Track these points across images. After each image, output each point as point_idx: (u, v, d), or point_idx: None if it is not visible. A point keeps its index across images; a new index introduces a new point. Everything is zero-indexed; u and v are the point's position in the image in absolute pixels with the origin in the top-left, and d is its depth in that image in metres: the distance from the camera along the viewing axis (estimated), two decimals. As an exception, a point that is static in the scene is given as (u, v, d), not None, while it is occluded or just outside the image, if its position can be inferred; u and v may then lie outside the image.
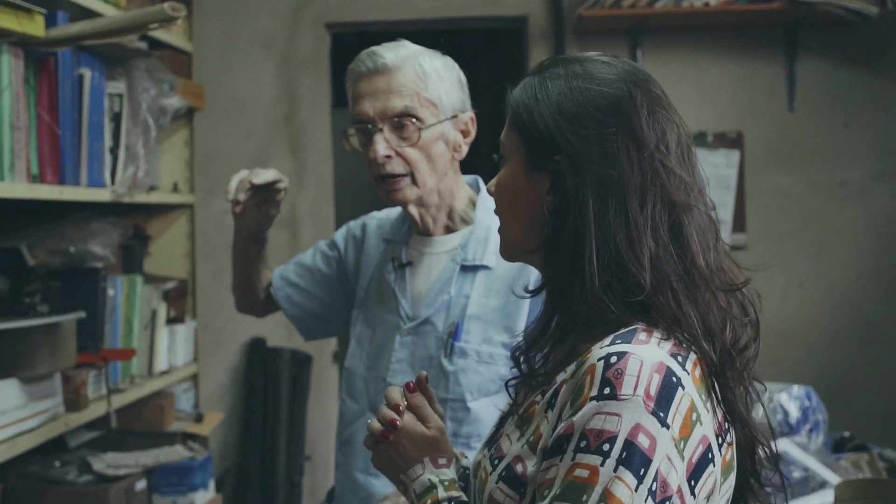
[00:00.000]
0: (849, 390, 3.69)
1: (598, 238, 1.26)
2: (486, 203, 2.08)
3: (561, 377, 1.27)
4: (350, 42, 4.96)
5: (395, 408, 1.45)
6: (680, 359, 1.22)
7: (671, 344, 1.23)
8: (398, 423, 1.44)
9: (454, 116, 2.03)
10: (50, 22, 2.43)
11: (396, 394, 1.47)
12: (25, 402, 2.43)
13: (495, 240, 2.01)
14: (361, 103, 2.01)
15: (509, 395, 1.43)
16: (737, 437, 1.30)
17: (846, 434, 2.89)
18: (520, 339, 1.43)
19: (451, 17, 3.94)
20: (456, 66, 2.08)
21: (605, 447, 1.15)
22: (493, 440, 1.42)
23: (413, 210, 2.08)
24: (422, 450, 1.43)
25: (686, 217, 1.29)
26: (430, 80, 1.99)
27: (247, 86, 3.94)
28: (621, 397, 1.16)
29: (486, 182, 2.10)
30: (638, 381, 1.17)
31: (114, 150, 2.89)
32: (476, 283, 2.03)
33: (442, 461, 1.42)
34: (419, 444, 1.43)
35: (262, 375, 3.90)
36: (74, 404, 2.66)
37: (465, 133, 2.06)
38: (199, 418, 3.49)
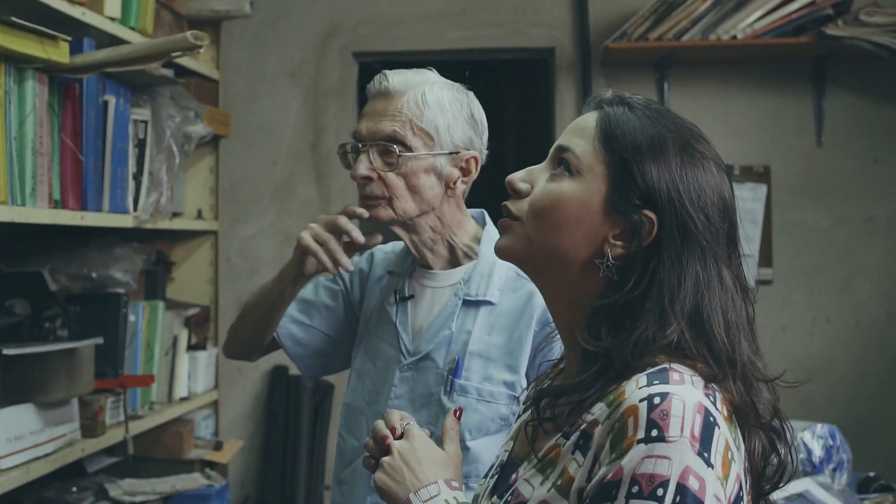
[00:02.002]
0: (875, 429, 3.62)
1: (688, 311, 1.24)
2: (492, 237, 2.03)
3: (588, 418, 1.23)
4: (378, 71, 4.99)
5: (392, 430, 1.45)
6: (711, 398, 1.20)
7: (702, 383, 1.21)
8: (394, 435, 1.44)
9: (454, 153, 1.98)
10: (75, 49, 2.45)
11: (395, 416, 1.48)
12: (42, 428, 2.43)
13: (499, 275, 1.99)
14: (360, 122, 1.99)
15: (527, 438, 1.35)
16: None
17: (871, 474, 2.84)
18: (545, 384, 1.40)
19: (479, 48, 3.94)
20: (471, 103, 2.02)
21: (659, 492, 1.12)
22: (500, 487, 1.37)
23: (403, 235, 2.03)
24: (437, 470, 1.40)
25: (750, 308, 1.30)
26: (428, 110, 1.95)
27: (273, 114, 3.96)
28: (669, 439, 1.13)
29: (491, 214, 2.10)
30: (683, 422, 1.14)
31: (137, 177, 2.90)
32: (478, 318, 1.98)
33: (455, 484, 1.40)
34: (435, 462, 1.41)
35: (283, 404, 3.89)
36: (91, 430, 2.67)
37: (464, 171, 2.00)
38: (218, 446, 3.48)
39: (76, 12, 2.51)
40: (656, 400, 1.15)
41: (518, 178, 1.38)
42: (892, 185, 3.78)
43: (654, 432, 1.14)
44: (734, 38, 3.60)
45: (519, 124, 5.19)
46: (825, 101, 3.78)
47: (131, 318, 3.03)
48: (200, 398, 3.53)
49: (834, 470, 2.71)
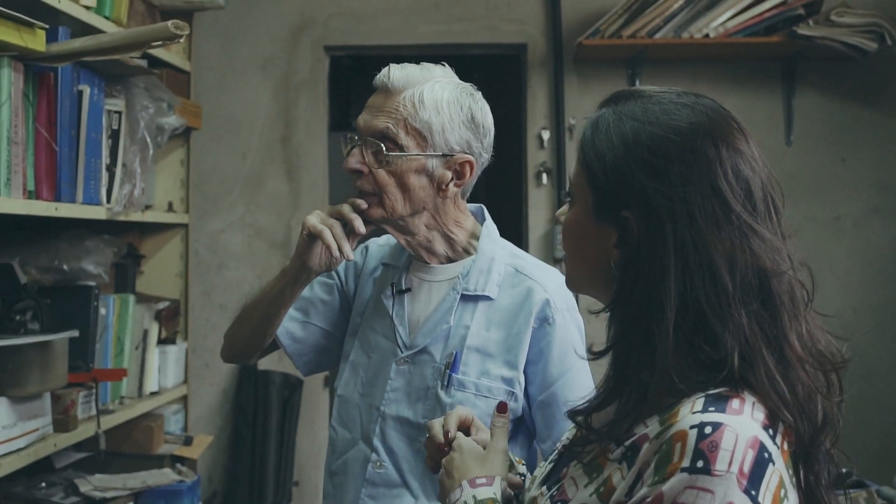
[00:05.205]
0: (845, 426, 3.63)
1: (680, 306, 1.18)
2: (490, 233, 2.04)
3: (640, 430, 1.20)
4: (348, 65, 4.96)
5: (447, 434, 1.46)
6: (771, 431, 1.15)
7: (763, 415, 1.16)
8: (447, 440, 1.47)
9: (448, 155, 1.94)
10: (51, 37, 2.41)
11: (452, 420, 1.50)
12: (14, 422, 2.39)
13: (498, 271, 1.99)
14: (362, 113, 1.97)
15: (575, 456, 1.33)
16: None
17: (843, 470, 2.86)
18: (582, 401, 1.37)
19: (451, 44, 3.93)
20: (474, 105, 1.97)
21: None
22: (551, 478, 1.37)
23: (398, 237, 2.02)
24: (466, 472, 1.40)
25: (776, 284, 1.20)
26: (423, 110, 1.91)
27: (244, 106, 3.92)
28: (715, 473, 1.10)
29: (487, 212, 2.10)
30: (733, 456, 1.10)
31: (110, 168, 2.86)
32: (477, 313, 1.97)
33: (481, 480, 1.39)
34: (468, 466, 1.41)
35: (252, 399, 3.86)
36: (63, 424, 2.63)
37: (458, 174, 1.96)
38: (188, 441, 3.45)
39: (52, 0, 2.47)
40: (707, 430, 1.12)
41: (559, 211, 1.39)
42: (859, 184, 3.84)
43: (700, 463, 1.10)
44: (706, 36, 3.62)
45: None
46: (795, 101, 3.81)
47: (102, 311, 2.99)
48: (170, 393, 3.49)
49: (807, 465, 2.73)
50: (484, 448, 1.47)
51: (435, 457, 1.47)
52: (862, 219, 3.84)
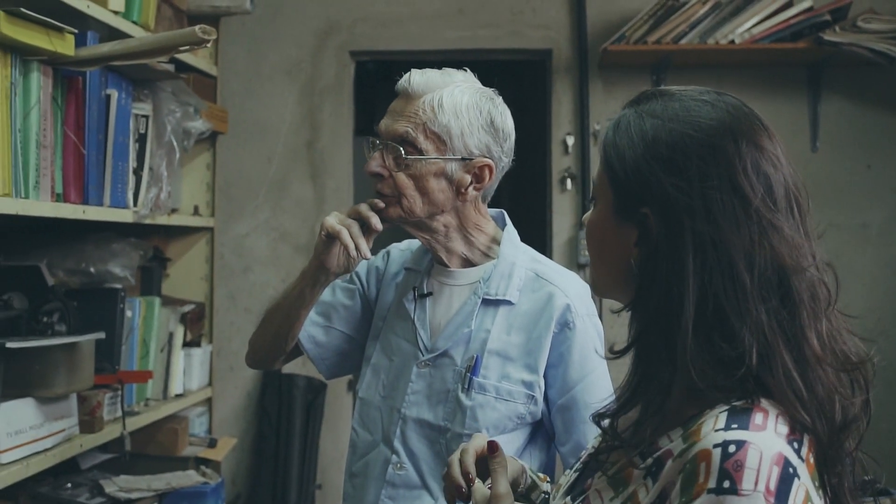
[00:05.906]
0: (870, 433, 3.62)
1: (699, 304, 1.17)
2: (511, 238, 2.06)
3: (665, 444, 1.19)
4: (374, 70, 4.98)
5: (466, 475, 1.43)
6: (796, 445, 1.14)
7: (787, 428, 1.15)
8: (467, 480, 1.43)
9: (467, 159, 1.96)
10: (80, 42, 2.43)
11: (470, 459, 1.46)
12: (41, 422, 2.41)
13: (519, 275, 2.00)
14: (384, 118, 2.00)
15: (601, 464, 1.32)
16: None
17: (867, 478, 2.84)
18: (609, 401, 1.36)
19: (476, 49, 3.94)
20: (493, 110, 1.99)
21: None
22: (575, 489, 1.35)
23: (418, 235, 2.04)
24: None
25: (796, 282, 1.19)
26: (442, 114, 1.94)
27: (269, 111, 3.95)
28: (742, 492, 1.08)
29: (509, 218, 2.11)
30: (758, 474, 1.09)
31: (137, 171, 2.88)
32: (497, 317, 1.99)
33: None
34: None
35: (275, 402, 3.88)
36: (89, 426, 2.65)
37: (477, 178, 1.98)
38: (212, 443, 3.47)
39: (81, 5, 2.50)
40: (731, 448, 1.11)
41: (584, 217, 1.38)
42: (885, 191, 3.81)
43: (727, 483, 1.09)
44: (732, 42, 3.61)
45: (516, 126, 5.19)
46: (820, 107, 3.80)
47: (128, 313, 3.02)
48: (195, 395, 3.51)
49: (831, 473, 2.71)
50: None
51: (452, 492, 1.45)
52: (887, 226, 3.81)
